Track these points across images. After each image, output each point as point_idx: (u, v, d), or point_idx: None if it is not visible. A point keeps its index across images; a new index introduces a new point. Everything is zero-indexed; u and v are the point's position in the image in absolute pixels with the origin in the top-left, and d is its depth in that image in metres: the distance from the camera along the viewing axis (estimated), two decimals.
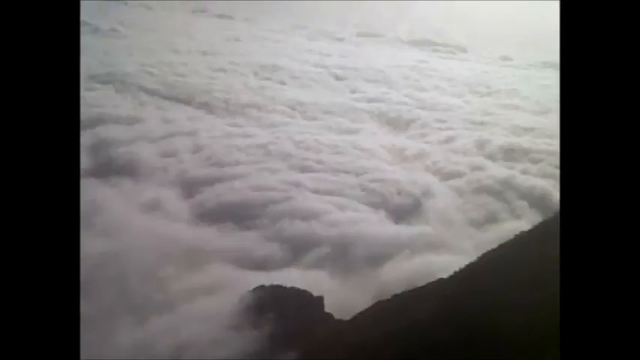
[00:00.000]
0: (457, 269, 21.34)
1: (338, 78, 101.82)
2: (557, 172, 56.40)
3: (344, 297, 31.71)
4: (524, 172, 56.70)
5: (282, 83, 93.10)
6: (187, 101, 73.87)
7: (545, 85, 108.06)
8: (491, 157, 61.47)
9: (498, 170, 56.54)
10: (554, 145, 64.78)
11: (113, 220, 37.74)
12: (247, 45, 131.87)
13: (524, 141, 66.79)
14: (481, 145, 65.01)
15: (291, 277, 31.47)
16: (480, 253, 21.76)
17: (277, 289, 28.27)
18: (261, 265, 36.26)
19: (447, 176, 55.04)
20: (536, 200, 49.00)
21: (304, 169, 52.79)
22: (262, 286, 28.55)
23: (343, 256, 37.69)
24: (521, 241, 20.25)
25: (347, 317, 25.69)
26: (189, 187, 46.73)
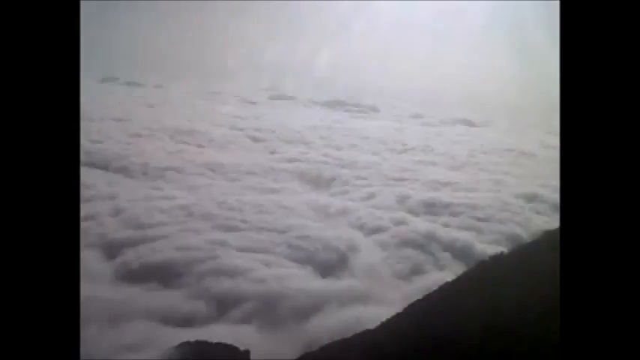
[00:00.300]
0: (384, 319, 21.61)
1: (256, 140, 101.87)
2: (477, 224, 58.09)
3: (271, 350, 31.33)
4: (445, 225, 57.81)
5: (200, 146, 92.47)
6: (104, 166, 72.29)
7: (457, 141, 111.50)
8: (412, 211, 62.39)
9: (421, 224, 57.37)
10: (472, 198, 66.71)
11: None
12: (161, 110, 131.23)
13: (444, 195, 68.29)
14: (402, 200, 65.99)
15: (218, 333, 30.87)
16: (406, 304, 22.05)
17: (202, 344, 27.63)
18: (187, 322, 35.23)
19: (370, 231, 55.37)
20: (458, 252, 49.92)
21: (228, 229, 52.09)
22: (187, 342, 27.98)
23: (271, 310, 37.09)
24: (445, 291, 20.68)
25: None
26: (111, 249, 45.39)
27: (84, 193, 59.59)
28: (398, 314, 21.35)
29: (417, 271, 46.87)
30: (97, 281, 40.16)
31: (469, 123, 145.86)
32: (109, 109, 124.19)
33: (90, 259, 43.17)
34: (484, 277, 19.56)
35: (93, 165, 72.28)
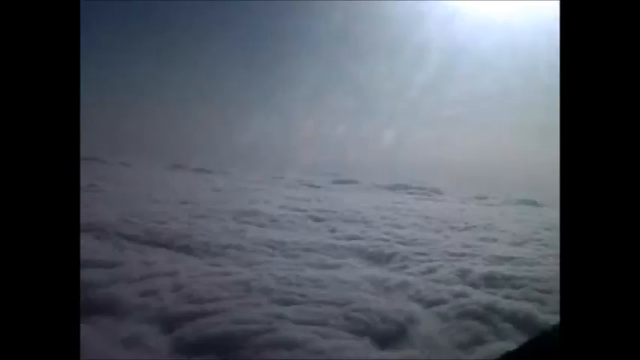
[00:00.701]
0: None
1: (317, 220, 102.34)
2: (541, 295, 56.56)
3: None
4: (506, 297, 56.56)
5: (262, 226, 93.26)
6: (167, 245, 73.53)
7: (520, 220, 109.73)
8: (473, 284, 61.33)
9: (481, 296, 56.24)
10: (535, 271, 65.33)
11: (93, 356, 36.92)
12: (226, 194, 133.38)
13: (505, 269, 67.01)
14: (462, 274, 64.96)
15: None
16: None
17: None
18: None
19: (430, 304, 54.45)
20: (520, 323, 48.60)
21: (286, 303, 51.98)
22: None
23: None
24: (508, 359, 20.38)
25: None
26: (170, 323, 45.54)
27: (146, 270, 60.84)
28: None
29: (478, 341, 45.80)
30: (156, 355, 40.76)
31: (533, 203, 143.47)
32: (176, 193, 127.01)
33: (149, 334, 43.80)
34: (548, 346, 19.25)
35: (155, 244, 74.16)
